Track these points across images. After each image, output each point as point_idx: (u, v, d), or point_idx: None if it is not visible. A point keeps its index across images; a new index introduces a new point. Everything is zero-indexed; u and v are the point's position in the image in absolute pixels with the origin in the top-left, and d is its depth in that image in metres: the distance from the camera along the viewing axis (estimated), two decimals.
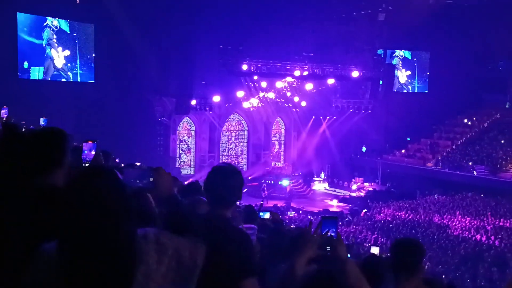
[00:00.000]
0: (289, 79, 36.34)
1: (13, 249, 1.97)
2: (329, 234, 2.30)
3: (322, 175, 37.43)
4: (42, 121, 5.39)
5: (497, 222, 24.07)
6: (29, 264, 1.68)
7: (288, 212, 28.65)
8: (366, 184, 35.57)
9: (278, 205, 30.53)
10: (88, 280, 1.51)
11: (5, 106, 5.18)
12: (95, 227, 1.54)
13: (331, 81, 35.99)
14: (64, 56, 28.66)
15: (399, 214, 27.16)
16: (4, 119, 5.03)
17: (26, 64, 26.93)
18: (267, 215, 6.97)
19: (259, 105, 37.21)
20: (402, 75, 41.10)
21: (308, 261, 2.30)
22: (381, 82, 37.27)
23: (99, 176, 1.62)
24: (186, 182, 9.28)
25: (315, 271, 2.38)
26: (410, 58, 41.34)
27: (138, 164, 10.07)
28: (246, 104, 36.30)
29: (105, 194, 1.58)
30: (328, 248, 2.26)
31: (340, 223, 23.31)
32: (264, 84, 35.51)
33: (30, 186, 2.21)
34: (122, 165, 5.36)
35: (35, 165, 2.34)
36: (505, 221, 24.17)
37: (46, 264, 1.62)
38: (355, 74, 34.84)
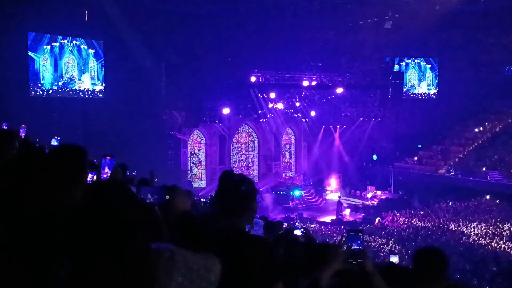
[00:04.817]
0: None
1: (27, 264, 1.97)
2: (354, 247, 2.29)
3: (334, 184, 37.23)
4: (54, 141, 5.35)
5: None
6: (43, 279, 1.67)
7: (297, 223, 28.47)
8: (379, 192, 35.35)
9: (291, 216, 30.39)
10: None
11: (23, 125, 5.22)
12: (107, 241, 1.54)
13: (339, 90, 36.05)
14: (74, 72, 28.90)
15: (413, 221, 26.93)
16: (23, 137, 5.06)
17: (36, 81, 27.18)
18: (298, 232, 6.53)
19: (269, 115, 37.29)
20: (411, 79, 40.91)
21: (333, 274, 2.28)
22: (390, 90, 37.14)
23: (111, 189, 1.63)
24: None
25: (339, 283, 2.35)
26: (419, 64, 41.20)
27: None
28: None
29: (117, 208, 1.58)
30: (353, 261, 2.25)
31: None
32: (273, 95, 35.63)
33: (49, 204, 2.20)
34: (136, 180, 5.34)
35: (54, 184, 2.34)
36: None
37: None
38: (363, 83, 34.84)
